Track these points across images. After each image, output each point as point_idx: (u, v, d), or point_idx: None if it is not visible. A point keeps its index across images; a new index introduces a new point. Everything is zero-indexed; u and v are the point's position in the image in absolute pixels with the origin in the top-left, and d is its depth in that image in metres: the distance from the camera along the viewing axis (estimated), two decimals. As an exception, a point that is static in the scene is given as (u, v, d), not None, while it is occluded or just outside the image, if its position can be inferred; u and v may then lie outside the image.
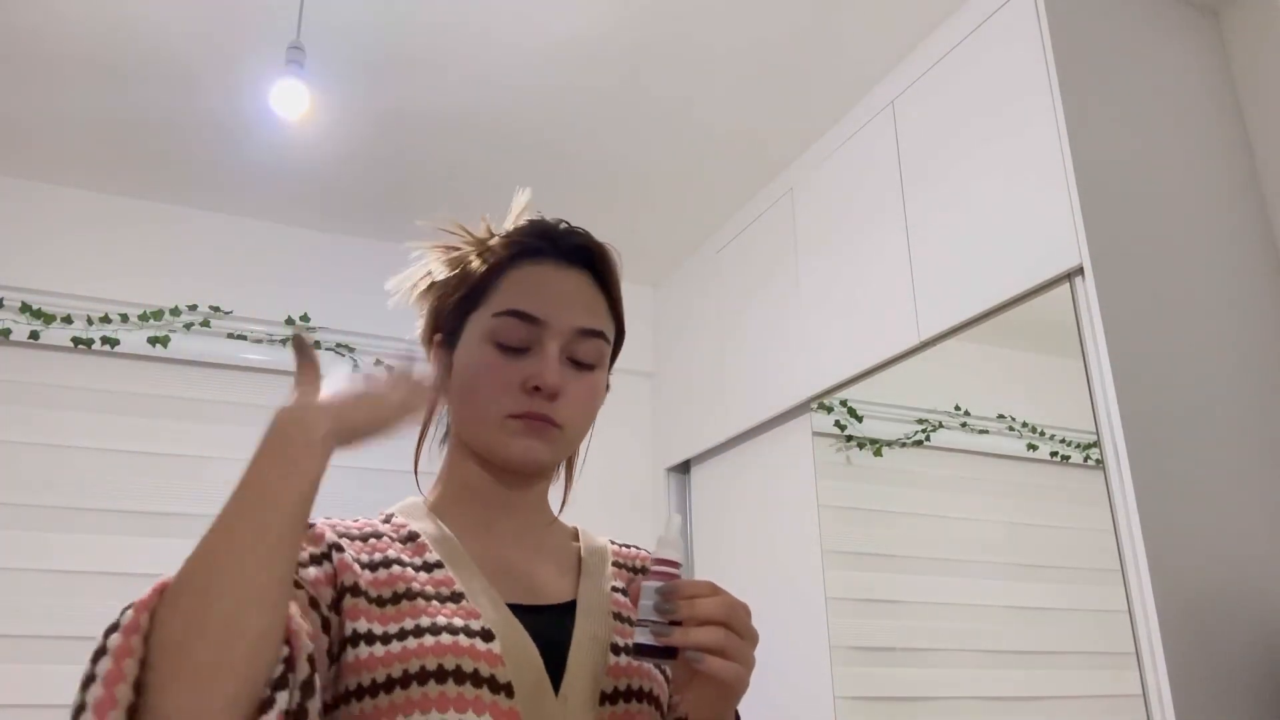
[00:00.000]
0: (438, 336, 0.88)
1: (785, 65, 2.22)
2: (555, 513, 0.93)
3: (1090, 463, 1.61)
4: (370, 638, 0.71)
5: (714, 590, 0.68)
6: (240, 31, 2.08)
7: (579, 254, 0.87)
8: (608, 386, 0.93)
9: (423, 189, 2.70)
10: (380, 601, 0.73)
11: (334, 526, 0.80)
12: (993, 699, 1.89)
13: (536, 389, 0.80)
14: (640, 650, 0.67)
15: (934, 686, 2.00)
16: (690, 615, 0.66)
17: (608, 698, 0.75)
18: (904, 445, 2.17)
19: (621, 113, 2.38)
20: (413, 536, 0.82)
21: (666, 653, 0.67)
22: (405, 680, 0.68)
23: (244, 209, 2.82)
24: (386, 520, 0.85)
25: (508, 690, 0.69)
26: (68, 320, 2.57)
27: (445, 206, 1.04)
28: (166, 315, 2.67)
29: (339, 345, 2.84)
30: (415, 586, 0.75)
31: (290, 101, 1.90)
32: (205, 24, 2.06)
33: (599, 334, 0.85)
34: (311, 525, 0.76)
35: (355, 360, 2.87)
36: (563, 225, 0.89)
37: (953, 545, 2.02)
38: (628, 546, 0.96)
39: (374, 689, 0.68)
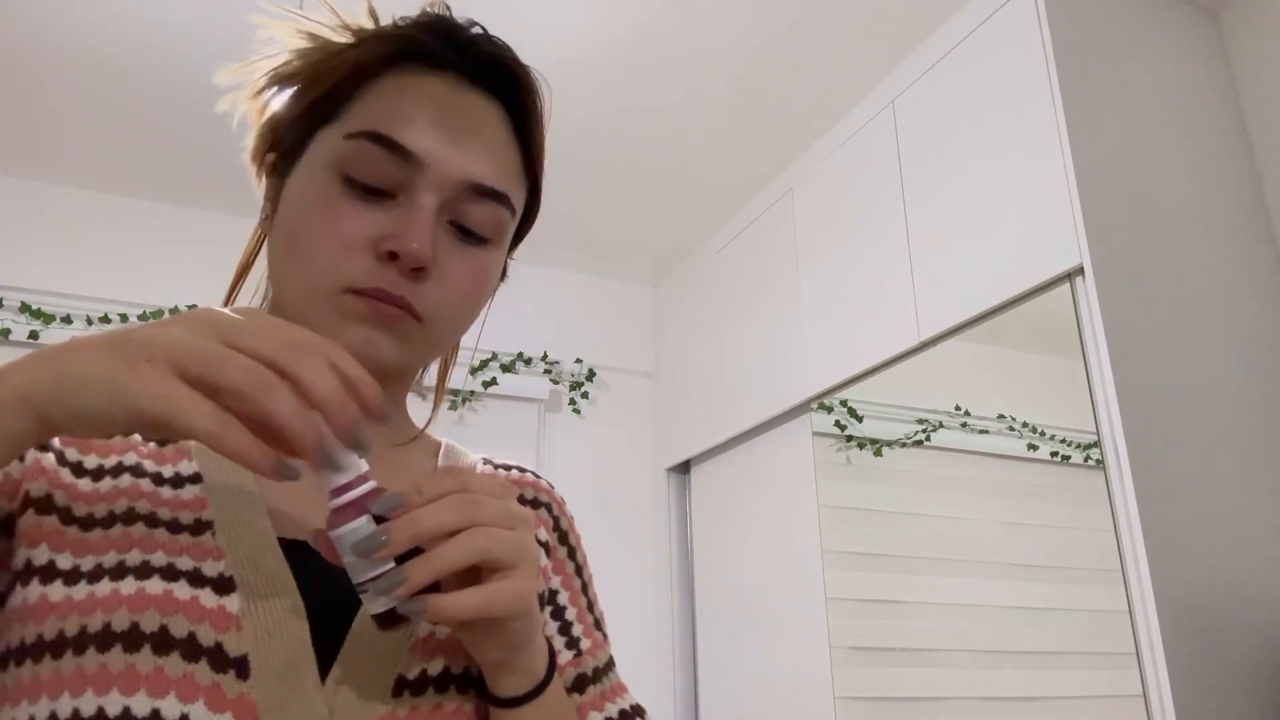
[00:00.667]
0: (270, 156, 0.63)
1: (785, 65, 2.22)
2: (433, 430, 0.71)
3: (1090, 463, 1.61)
4: (49, 573, 0.48)
5: (430, 491, 0.46)
6: (241, 31, 2.08)
7: (491, 72, 0.61)
8: (504, 275, 0.68)
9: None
10: (86, 523, 0.51)
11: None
12: (993, 699, 1.89)
13: (394, 256, 0.55)
14: (384, 622, 0.46)
15: (934, 687, 2.00)
16: (411, 534, 0.44)
17: (408, 685, 0.51)
18: (904, 445, 2.17)
19: (622, 112, 2.38)
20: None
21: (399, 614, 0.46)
22: (80, 643, 0.45)
23: (244, 209, 2.82)
24: None
25: (239, 668, 0.47)
26: (67, 320, 2.57)
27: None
28: (166, 315, 2.67)
29: (339, 345, 2.84)
30: (143, 506, 0.52)
31: (290, 101, 1.90)
32: (205, 24, 2.06)
33: (502, 198, 0.60)
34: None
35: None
36: (475, 29, 0.62)
37: (953, 545, 2.02)
38: (510, 468, 0.71)
39: (36, 650, 0.46)
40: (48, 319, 2.54)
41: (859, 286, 2.23)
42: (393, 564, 0.44)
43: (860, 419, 2.29)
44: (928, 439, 2.12)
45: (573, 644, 0.64)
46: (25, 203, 2.63)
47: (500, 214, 0.60)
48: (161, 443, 0.57)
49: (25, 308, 2.53)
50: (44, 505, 0.51)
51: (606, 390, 3.17)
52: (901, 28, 2.10)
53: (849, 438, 2.31)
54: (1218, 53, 2.00)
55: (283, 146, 0.61)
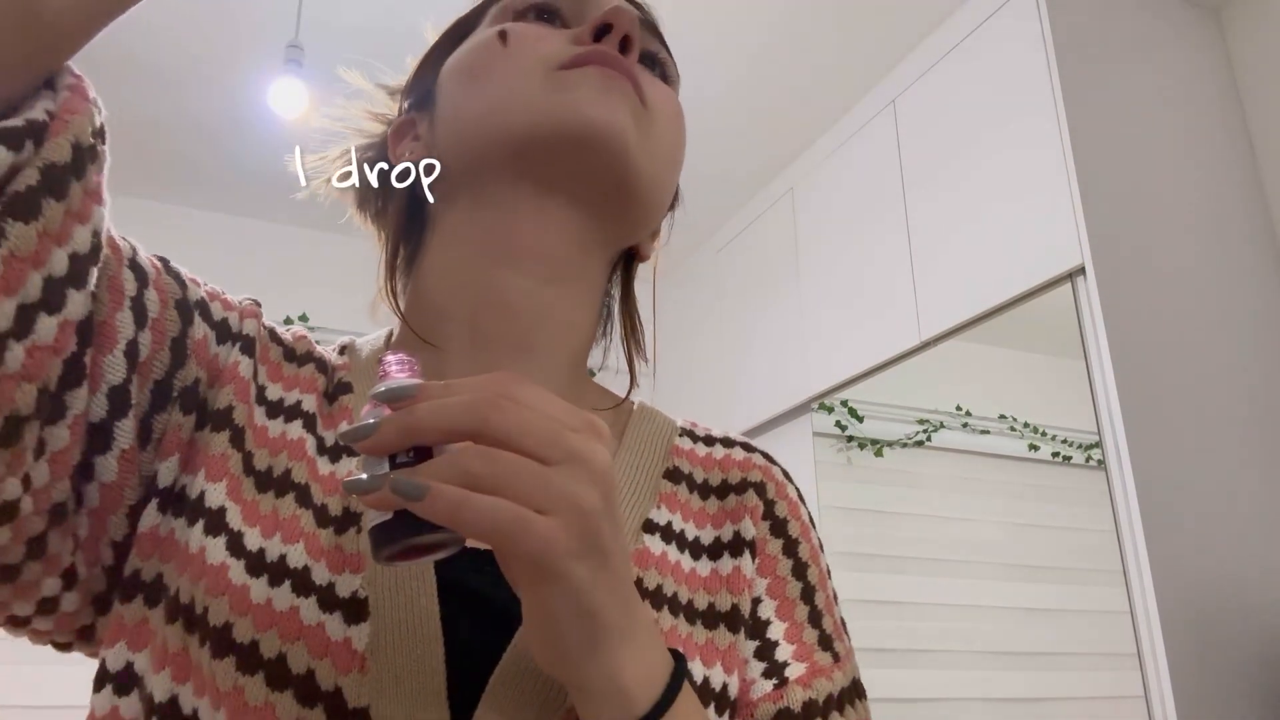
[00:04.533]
0: (405, 109, 0.58)
1: (786, 64, 2.22)
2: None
3: (1092, 463, 1.61)
4: (217, 525, 0.42)
5: (458, 387, 0.34)
6: (239, 31, 2.08)
7: None
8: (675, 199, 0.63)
9: (422, 189, 2.70)
10: (258, 478, 0.44)
11: (266, 323, 0.51)
12: (994, 700, 1.89)
13: (607, 27, 0.48)
14: (376, 542, 0.34)
15: (935, 688, 1.99)
16: (402, 426, 0.33)
17: None
18: (905, 446, 2.16)
19: (621, 112, 2.38)
20: (342, 390, 0.49)
21: (405, 527, 0.33)
22: (202, 628, 0.40)
23: (244, 209, 2.81)
24: (342, 351, 0.53)
25: None
26: (67, 320, 2.56)
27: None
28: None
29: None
30: (300, 474, 0.45)
31: (289, 101, 1.90)
32: (204, 23, 2.06)
33: (665, 45, 0.57)
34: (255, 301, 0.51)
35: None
36: None
37: (954, 546, 2.02)
38: (715, 441, 0.57)
39: (202, 631, 0.40)
40: (47, 319, 2.54)
41: (859, 286, 2.22)
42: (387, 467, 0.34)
43: (861, 419, 2.28)
44: (928, 439, 2.12)
45: (774, 670, 0.49)
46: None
47: (669, 60, 0.56)
48: (330, 394, 0.49)
49: (24, 308, 2.53)
50: (224, 421, 0.44)
51: (607, 390, 3.16)
52: (903, 27, 2.09)
53: (850, 438, 2.30)
54: (1219, 51, 2.00)
55: (420, 85, 0.57)
